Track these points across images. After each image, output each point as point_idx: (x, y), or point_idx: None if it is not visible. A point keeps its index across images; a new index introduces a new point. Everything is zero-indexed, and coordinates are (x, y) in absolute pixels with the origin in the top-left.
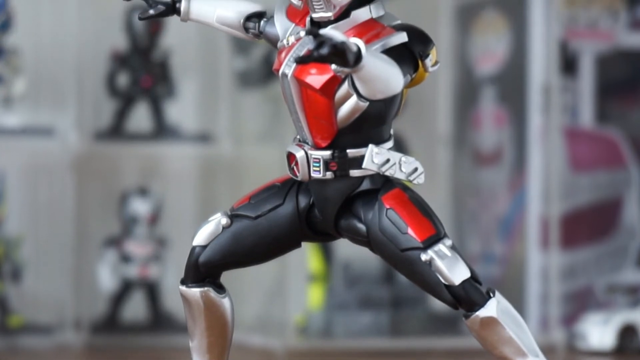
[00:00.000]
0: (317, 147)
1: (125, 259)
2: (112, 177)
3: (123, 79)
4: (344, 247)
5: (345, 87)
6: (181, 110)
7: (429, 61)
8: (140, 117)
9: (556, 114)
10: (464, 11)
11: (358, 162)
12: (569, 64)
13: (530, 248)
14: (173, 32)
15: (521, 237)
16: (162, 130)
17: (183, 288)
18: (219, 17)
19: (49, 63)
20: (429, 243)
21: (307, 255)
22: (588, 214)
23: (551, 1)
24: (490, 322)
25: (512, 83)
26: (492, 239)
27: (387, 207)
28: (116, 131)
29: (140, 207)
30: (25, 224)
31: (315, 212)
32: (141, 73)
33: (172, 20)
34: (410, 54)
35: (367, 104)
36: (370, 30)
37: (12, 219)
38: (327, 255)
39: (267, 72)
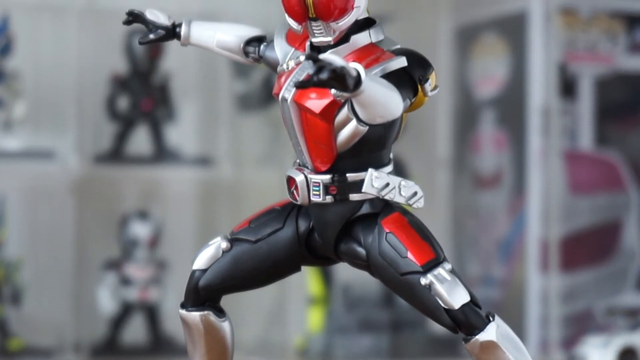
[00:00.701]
0: (317, 171)
1: (125, 282)
2: (112, 201)
3: (123, 103)
4: (343, 270)
5: (344, 111)
6: (181, 134)
7: (428, 85)
8: (140, 141)
9: (556, 137)
10: (463, 34)
11: (358, 186)
12: (568, 87)
13: (530, 271)
14: (173, 55)
15: (521, 259)
16: (162, 154)
17: (183, 312)
18: (219, 41)
19: (49, 87)
20: (429, 267)
21: (307, 278)
22: (588, 237)
23: (550, 24)
24: (490, 345)
25: (511, 106)
26: (492, 262)
27: (387, 231)
28: (116, 154)
29: (140, 230)
30: (25, 247)
31: (315, 236)
32: (141, 96)
33: (172, 44)
34: (410, 78)
35: (366, 128)
36: (369, 54)
37: (12, 242)
38: (327, 278)
39: (266, 96)
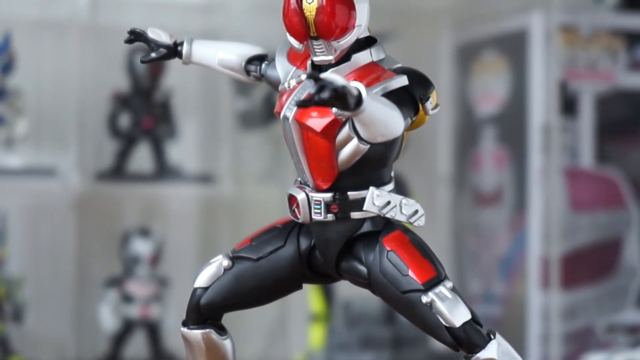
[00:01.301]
0: (318, 190)
1: (127, 299)
2: (113, 218)
3: (124, 120)
4: (344, 287)
5: (346, 130)
6: (182, 151)
7: (429, 104)
8: (141, 158)
9: (556, 154)
10: (463, 52)
11: (359, 204)
12: (568, 105)
13: (531, 288)
14: (174, 73)
15: (521, 277)
16: (163, 171)
17: (184, 330)
18: (221, 60)
19: (50, 104)
20: (430, 285)
21: (308, 295)
22: (588, 254)
23: (551, 42)
24: None
25: (512, 123)
26: (493, 279)
27: (388, 249)
28: (117, 172)
29: (141, 247)
30: (27, 264)
31: (317, 254)
32: (142, 114)
33: (174, 62)
34: (411, 97)
35: (367, 147)
36: (370, 73)
37: (13, 259)
38: (328, 295)
39: (268, 113)
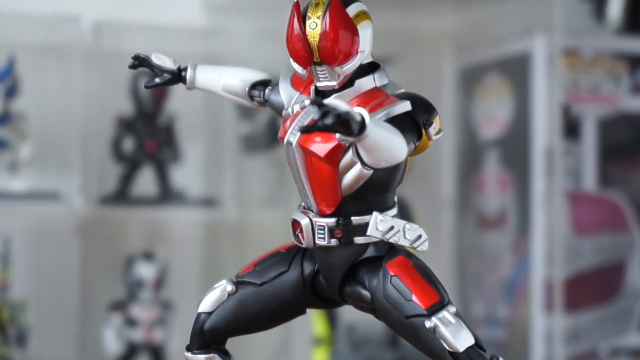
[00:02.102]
0: (322, 215)
1: (131, 323)
2: (117, 242)
3: (128, 144)
4: (348, 311)
5: (349, 155)
6: (186, 175)
7: (432, 129)
8: (145, 182)
9: (559, 178)
10: (466, 76)
11: (362, 229)
12: (571, 128)
13: (534, 311)
14: (178, 97)
15: (525, 300)
16: (167, 195)
17: (188, 354)
18: (225, 85)
19: (54, 128)
20: (433, 310)
21: (312, 318)
22: (592, 277)
23: (553, 66)
24: None
25: (515, 147)
26: (496, 302)
27: (392, 274)
28: (121, 196)
29: (145, 271)
30: (31, 288)
31: (320, 278)
32: (146, 138)
33: (177, 86)
34: (414, 122)
35: (371, 172)
36: (374, 99)
37: (17, 283)
38: (332, 319)
39: (271, 137)
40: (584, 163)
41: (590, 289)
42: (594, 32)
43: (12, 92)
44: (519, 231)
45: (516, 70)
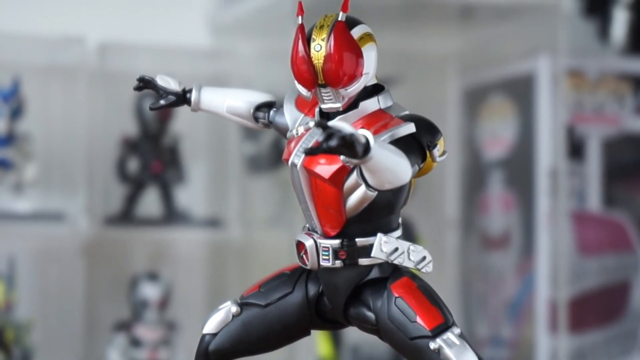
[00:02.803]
0: (326, 236)
1: (135, 343)
2: (121, 262)
3: (133, 165)
4: (353, 331)
5: (353, 177)
6: (191, 196)
7: (436, 151)
8: (150, 202)
9: (564, 198)
10: (470, 96)
11: (367, 250)
12: (575, 148)
13: (539, 332)
14: (183, 118)
15: (530, 320)
16: (171, 215)
17: None
18: (229, 107)
19: (59, 149)
20: (438, 331)
21: (316, 339)
22: (596, 298)
23: (557, 86)
24: None
25: (519, 167)
26: (501, 323)
27: (396, 295)
28: (126, 216)
29: (149, 291)
30: (36, 309)
31: (325, 300)
32: (151, 158)
33: (182, 107)
34: (418, 144)
35: (375, 193)
36: (378, 120)
37: (22, 303)
38: (336, 340)
39: (276, 158)
40: (588, 183)
41: (595, 309)
42: (598, 53)
43: (17, 113)
44: (523, 251)
45: (520, 91)
